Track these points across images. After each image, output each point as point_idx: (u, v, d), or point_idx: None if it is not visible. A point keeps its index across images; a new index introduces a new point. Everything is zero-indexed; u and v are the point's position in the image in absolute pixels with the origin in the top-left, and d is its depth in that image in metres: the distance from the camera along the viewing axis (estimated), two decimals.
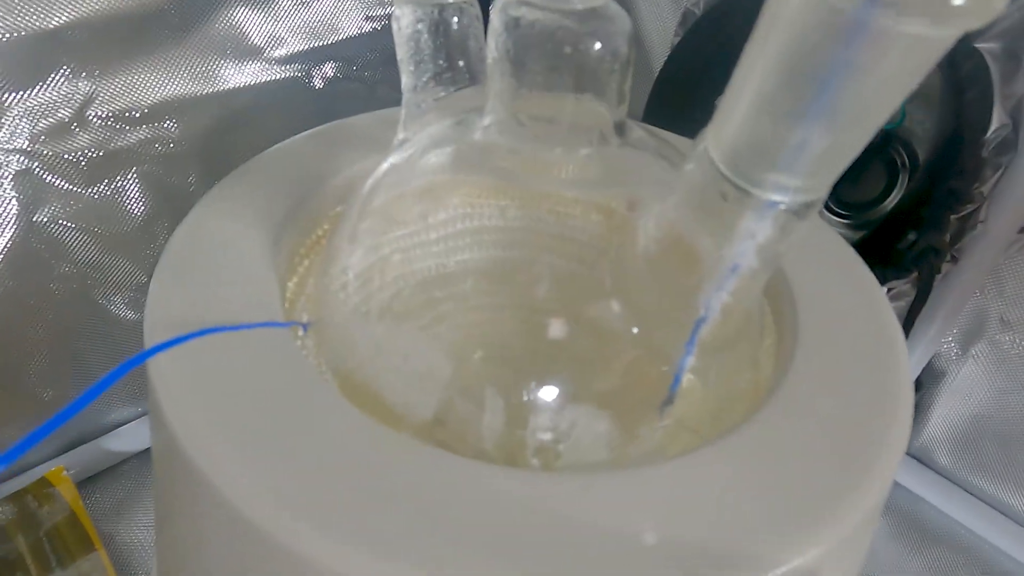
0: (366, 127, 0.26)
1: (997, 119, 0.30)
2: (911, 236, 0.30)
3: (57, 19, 0.28)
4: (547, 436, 0.16)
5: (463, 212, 0.19)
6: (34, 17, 0.27)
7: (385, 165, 0.20)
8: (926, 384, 0.39)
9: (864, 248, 0.32)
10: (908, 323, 0.32)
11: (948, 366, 0.38)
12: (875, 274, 0.27)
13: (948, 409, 0.39)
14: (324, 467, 0.15)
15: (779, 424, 0.17)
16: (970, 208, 0.30)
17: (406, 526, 0.14)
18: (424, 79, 0.22)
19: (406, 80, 0.22)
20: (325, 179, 0.24)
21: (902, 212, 0.30)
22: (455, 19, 0.21)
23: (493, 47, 0.17)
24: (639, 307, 0.16)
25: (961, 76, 0.30)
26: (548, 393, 0.17)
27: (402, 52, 0.22)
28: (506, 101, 0.18)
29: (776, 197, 0.13)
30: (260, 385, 0.16)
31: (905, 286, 0.31)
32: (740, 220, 0.14)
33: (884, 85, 0.12)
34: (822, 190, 0.14)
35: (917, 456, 0.42)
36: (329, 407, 0.16)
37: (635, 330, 0.17)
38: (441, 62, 0.22)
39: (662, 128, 0.24)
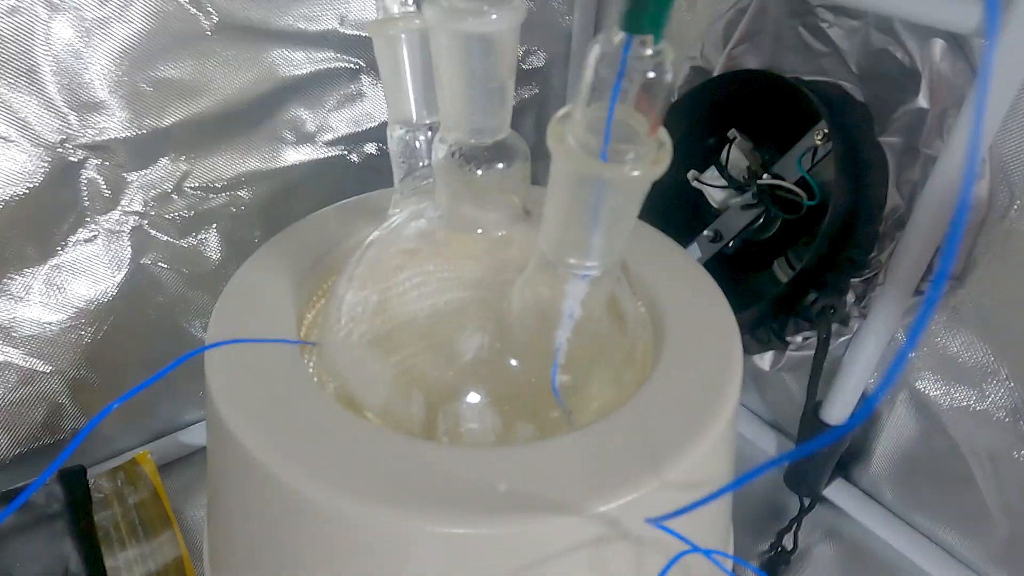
0: (377, 201, 0.35)
1: (892, 200, 0.36)
2: (812, 296, 0.36)
3: (168, 120, 0.39)
4: (456, 425, 0.24)
5: (423, 270, 0.28)
6: (152, 119, 0.38)
7: (375, 234, 0.29)
8: (864, 424, 0.44)
9: (780, 303, 0.39)
10: (816, 367, 0.38)
11: (881, 409, 0.43)
12: (789, 324, 0.34)
13: (886, 448, 0.44)
14: (316, 437, 0.23)
15: (643, 407, 0.24)
16: (869, 273, 0.37)
17: (376, 477, 0.22)
18: (408, 172, 0.31)
19: (396, 172, 0.31)
20: (341, 242, 0.33)
21: (808, 274, 0.37)
22: (428, 134, 0.30)
23: (435, 167, 0.26)
24: (519, 346, 0.24)
25: (862, 163, 0.37)
26: (459, 398, 0.25)
27: (394, 153, 0.31)
28: (444, 200, 0.26)
29: (584, 272, 0.21)
30: (276, 384, 0.25)
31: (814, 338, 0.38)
32: (567, 286, 0.22)
33: (622, 206, 0.20)
34: (610, 264, 0.21)
35: (866, 491, 0.47)
36: (319, 401, 0.24)
37: (514, 363, 0.25)
38: (419, 162, 0.31)
39: None
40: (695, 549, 0.21)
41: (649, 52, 0.16)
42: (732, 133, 0.46)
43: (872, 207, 0.36)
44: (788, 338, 0.39)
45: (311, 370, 0.28)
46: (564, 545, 0.21)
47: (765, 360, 0.42)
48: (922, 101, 0.36)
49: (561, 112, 0.19)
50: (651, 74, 0.17)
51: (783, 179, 0.42)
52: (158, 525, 0.42)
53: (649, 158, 0.18)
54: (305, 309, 0.31)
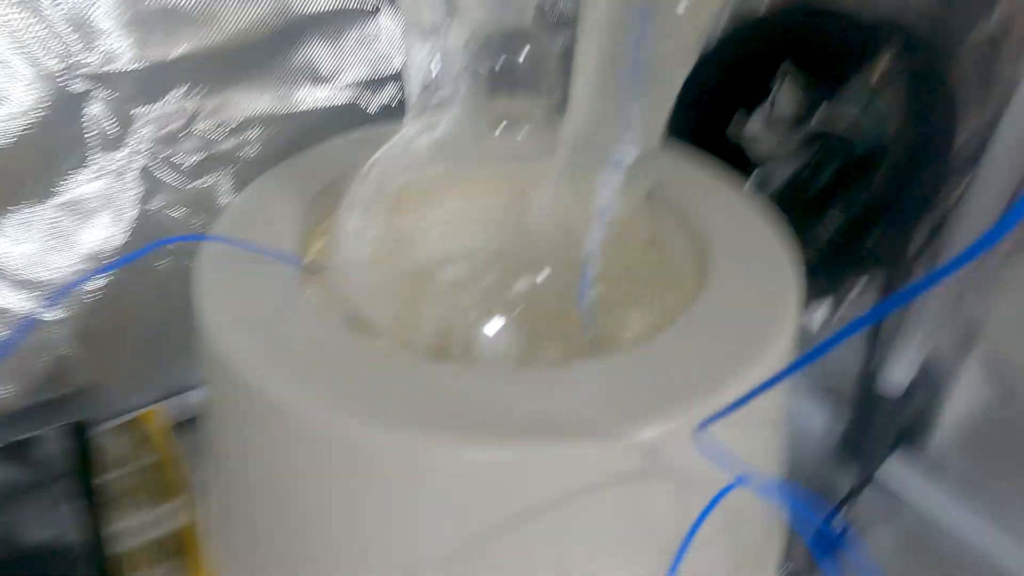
0: (390, 132, 0.33)
1: (964, 133, 0.33)
2: (874, 236, 0.32)
3: (175, 51, 0.37)
4: (474, 344, 0.21)
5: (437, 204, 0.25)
6: (158, 50, 0.36)
7: (382, 150, 0.26)
8: (925, 391, 0.40)
9: (835, 247, 0.35)
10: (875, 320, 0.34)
11: (948, 371, 0.39)
12: (846, 271, 0.31)
13: (954, 417, 0.40)
14: (319, 359, 0.20)
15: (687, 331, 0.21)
16: (935, 219, 0.33)
17: (385, 401, 0.19)
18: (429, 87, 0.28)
19: (411, 92, 0.28)
20: (352, 168, 0.30)
21: (868, 215, 0.33)
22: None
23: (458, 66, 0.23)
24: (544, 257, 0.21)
25: (927, 95, 0.33)
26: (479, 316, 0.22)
27: (408, 72, 0.28)
28: (467, 102, 0.24)
29: (619, 155, 0.18)
30: (276, 304, 0.22)
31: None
32: (600, 176, 0.19)
33: (672, 57, 0.16)
34: (649, 144, 0.18)
35: (930, 466, 0.42)
36: (322, 323, 0.22)
37: (540, 278, 0.21)
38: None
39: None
40: (739, 481, 0.17)
41: None
42: (784, 68, 0.42)
43: (939, 143, 0.32)
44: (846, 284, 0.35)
45: (316, 295, 0.25)
46: (592, 477, 0.18)
47: (816, 318, 0.38)
48: (996, 24, 0.32)
49: None
50: None
51: (836, 123, 0.38)
52: (165, 489, 0.40)
53: None
54: (312, 236, 0.28)
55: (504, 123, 0.23)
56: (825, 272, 0.36)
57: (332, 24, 0.41)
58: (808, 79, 0.41)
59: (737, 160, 0.45)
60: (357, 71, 0.43)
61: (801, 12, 0.40)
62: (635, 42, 0.16)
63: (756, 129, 0.44)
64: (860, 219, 0.32)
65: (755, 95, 0.44)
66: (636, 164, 0.18)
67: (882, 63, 0.35)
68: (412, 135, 0.26)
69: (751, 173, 0.44)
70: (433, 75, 0.28)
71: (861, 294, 0.36)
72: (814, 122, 0.39)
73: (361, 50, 0.42)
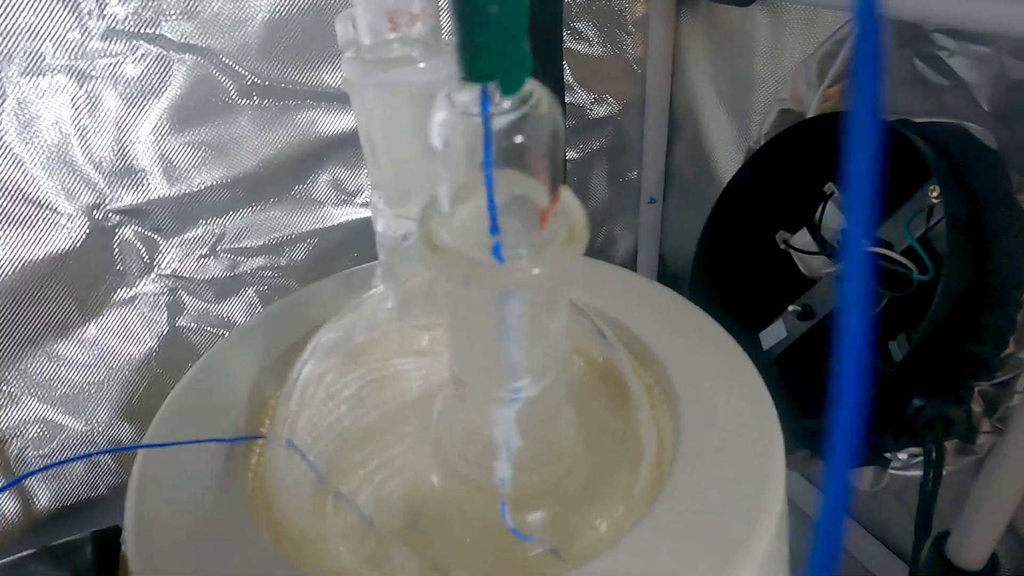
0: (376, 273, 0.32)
1: None
2: (917, 402, 0.27)
3: (201, 185, 0.38)
4: None
5: (376, 363, 0.24)
6: (185, 185, 0.38)
7: (324, 331, 0.25)
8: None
9: (875, 408, 0.30)
10: (926, 498, 0.28)
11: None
12: (886, 438, 0.26)
13: None
14: None
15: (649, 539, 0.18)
16: (1003, 376, 0.27)
17: None
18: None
19: (382, 257, 0.28)
20: (327, 320, 0.29)
21: (912, 372, 0.28)
22: None
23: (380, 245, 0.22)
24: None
25: (990, 227, 0.28)
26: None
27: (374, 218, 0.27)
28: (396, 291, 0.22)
29: (513, 395, 0.16)
30: (204, 508, 0.22)
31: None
32: (495, 415, 0.16)
33: (544, 308, 0.14)
34: (544, 378, 0.16)
35: None
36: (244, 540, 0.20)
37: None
38: None
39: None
40: None
41: (508, 103, 0.11)
42: (829, 187, 0.38)
43: (1004, 285, 0.27)
44: (888, 455, 0.30)
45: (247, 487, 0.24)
46: None
47: (864, 477, 0.33)
48: None
49: (424, 206, 0.14)
50: (518, 138, 0.11)
51: (890, 246, 0.33)
52: None
53: (557, 240, 0.13)
54: (272, 395, 0.27)
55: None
56: (870, 431, 0.31)
57: (352, 145, 0.41)
58: None
59: (783, 268, 0.40)
60: None
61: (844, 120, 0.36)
62: (497, 310, 0.14)
63: (804, 241, 0.40)
64: (907, 370, 0.27)
65: (807, 202, 0.39)
66: (537, 398, 0.16)
67: (936, 191, 0.30)
68: (376, 301, 0.25)
69: (802, 287, 0.39)
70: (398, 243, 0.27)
71: (912, 459, 0.30)
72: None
73: None
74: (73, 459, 0.29)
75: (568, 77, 0.46)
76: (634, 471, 0.21)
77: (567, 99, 0.46)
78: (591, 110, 0.47)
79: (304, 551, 0.21)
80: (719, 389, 0.23)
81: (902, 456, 0.30)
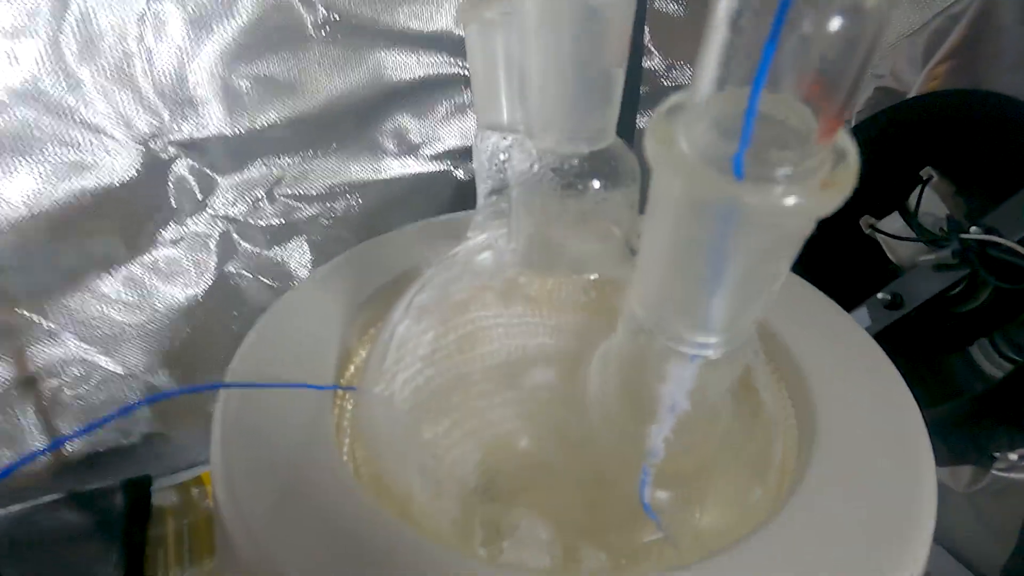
0: (459, 224, 0.30)
1: None
2: None
3: (264, 121, 0.36)
4: (498, 539, 0.18)
5: (480, 315, 0.22)
6: (246, 120, 0.36)
7: (432, 269, 0.23)
8: None
9: (988, 404, 0.28)
10: None
11: None
12: (1000, 435, 0.25)
13: None
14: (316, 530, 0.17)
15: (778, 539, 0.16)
16: None
17: None
18: (494, 190, 0.25)
19: (481, 189, 0.25)
20: (414, 267, 0.27)
21: None
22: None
23: (513, 182, 0.20)
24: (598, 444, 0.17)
25: None
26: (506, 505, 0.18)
27: (479, 165, 0.25)
28: (523, 228, 0.20)
29: (697, 351, 0.14)
30: (291, 453, 0.20)
31: None
32: (669, 369, 0.14)
33: (765, 256, 0.12)
34: (738, 340, 0.14)
35: None
36: (334, 486, 0.19)
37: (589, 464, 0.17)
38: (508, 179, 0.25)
39: None
40: None
41: None
42: (927, 172, 0.36)
43: None
44: (996, 454, 0.28)
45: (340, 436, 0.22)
46: None
47: (958, 477, 0.31)
48: None
49: (670, 101, 0.12)
50: (836, 22, 0.09)
51: (999, 235, 0.32)
52: (205, 551, 0.39)
53: (817, 178, 0.11)
54: (357, 344, 0.25)
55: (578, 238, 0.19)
56: (977, 426, 0.29)
57: (423, 93, 0.39)
58: (963, 178, 0.35)
59: (869, 256, 0.39)
60: (447, 140, 0.41)
61: (952, 99, 0.34)
62: (719, 237, 0.12)
63: (896, 227, 0.38)
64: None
65: (899, 185, 0.37)
66: (716, 363, 0.14)
67: None
68: (475, 247, 0.23)
69: (885, 275, 0.37)
70: (502, 180, 0.25)
71: (1022, 460, 0.29)
72: (971, 231, 0.33)
73: (452, 119, 0.40)
74: (140, 403, 0.27)
75: (647, 41, 0.43)
76: (760, 480, 0.20)
77: (644, 63, 0.44)
78: (666, 76, 0.45)
79: (410, 510, 0.19)
80: (859, 388, 0.21)
81: (1012, 456, 0.28)
